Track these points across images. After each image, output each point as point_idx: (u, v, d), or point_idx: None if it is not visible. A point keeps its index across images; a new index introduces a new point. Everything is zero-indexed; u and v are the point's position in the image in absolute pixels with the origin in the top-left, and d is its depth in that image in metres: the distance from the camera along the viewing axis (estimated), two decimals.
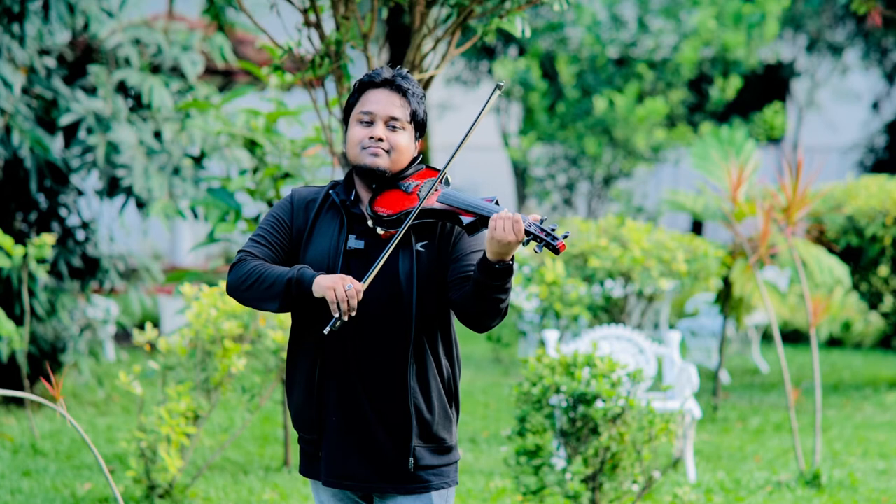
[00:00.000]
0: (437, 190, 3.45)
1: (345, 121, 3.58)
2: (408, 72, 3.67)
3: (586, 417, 5.96)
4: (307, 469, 3.60)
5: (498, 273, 3.31)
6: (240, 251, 3.51)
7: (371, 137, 3.47)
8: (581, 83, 16.09)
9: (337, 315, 3.31)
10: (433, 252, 3.48)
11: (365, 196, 3.52)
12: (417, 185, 3.48)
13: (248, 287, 3.43)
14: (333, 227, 3.50)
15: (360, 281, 3.37)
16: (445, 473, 3.53)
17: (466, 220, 3.37)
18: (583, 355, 6.04)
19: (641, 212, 16.23)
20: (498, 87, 3.36)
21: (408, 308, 3.43)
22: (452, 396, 3.56)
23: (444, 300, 3.48)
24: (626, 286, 9.36)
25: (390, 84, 3.51)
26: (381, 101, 3.50)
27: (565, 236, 3.25)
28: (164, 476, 6.42)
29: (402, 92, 3.51)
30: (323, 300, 3.37)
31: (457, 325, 3.60)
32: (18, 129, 8.65)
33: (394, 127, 3.50)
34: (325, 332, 3.33)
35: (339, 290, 3.30)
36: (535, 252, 3.28)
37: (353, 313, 3.32)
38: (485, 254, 3.30)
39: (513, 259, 3.33)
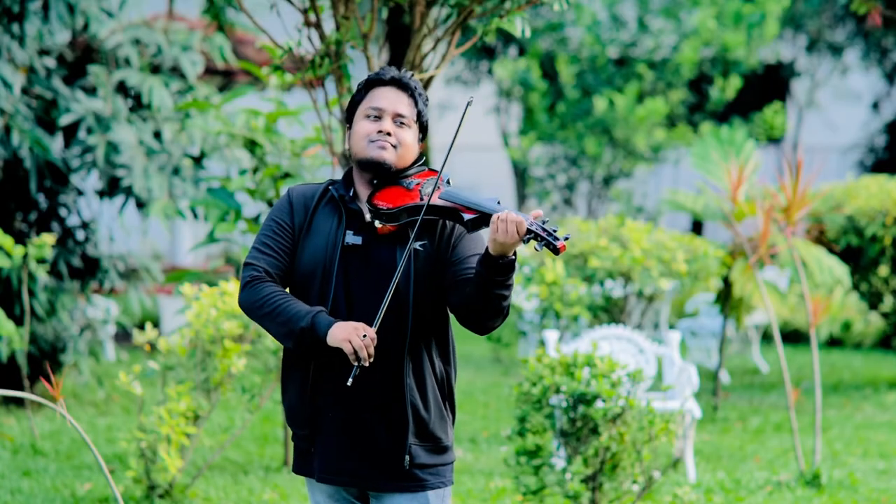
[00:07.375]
0: (439, 188, 3.46)
1: (348, 119, 3.60)
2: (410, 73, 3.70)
3: (586, 417, 5.96)
4: (301, 466, 3.61)
5: (501, 268, 3.32)
6: (246, 264, 3.50)
7: (380, 131, 3.51)
8: (581, 83, 16.09)
9: (356, 364, 3.34)
10: (431, 252, 3.49)
11: (364, 192, 3.54)
12: (419, 183, 3.50)
13: (264, 315, 3.46)
14: (331, 223, 3.51)
15: (371, 319, 3.39)
16: (441, 473, 3.54)
17: (468, 217, 3.39)
18: (583, 355, 6.04)
19: (641, 212, 16.24)
20: (468, 104, 3.45)
21: (404, 307, 3.44)
22: (446, 396, 3.56)
23: (443, 303, 3.50)
24: (626, 286, 9.36)
25: (397, 83, 3.56)
26: (389, 98, 3.54)
27: (566, 238, 3.27)
28: (164, 476, 6.42)
29: (409, 91, 3.56)
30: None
31: (455, 327, 3.60)
32: (18, 129, 8.65)
33: (401, 123, 3.54)
34: (349, 383, 3.36)
35: (355, 340, 3.34)
36: (536, 250, 3.30)
37: (371, 360, 3.35)
38: (487, 250, 3.32)
39: (514, 254, 3.34)
